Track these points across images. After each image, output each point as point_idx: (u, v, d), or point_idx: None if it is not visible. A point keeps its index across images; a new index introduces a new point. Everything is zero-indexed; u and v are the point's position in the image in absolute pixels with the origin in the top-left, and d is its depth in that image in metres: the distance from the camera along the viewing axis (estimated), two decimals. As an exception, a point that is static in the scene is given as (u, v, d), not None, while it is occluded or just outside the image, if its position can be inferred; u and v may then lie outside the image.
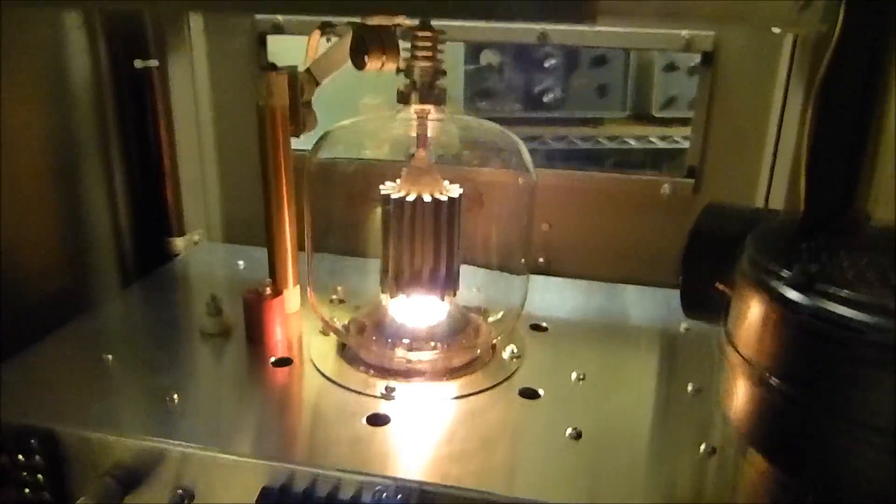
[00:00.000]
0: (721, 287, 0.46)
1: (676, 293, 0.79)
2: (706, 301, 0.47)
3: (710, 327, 0.71)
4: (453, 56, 1.16)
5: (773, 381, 0.35)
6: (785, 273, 0.35)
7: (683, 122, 1.17)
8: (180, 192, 0.90)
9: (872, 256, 0.37)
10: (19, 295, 0.72)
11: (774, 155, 0.79)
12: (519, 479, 0.51)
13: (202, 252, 0.92)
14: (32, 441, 0.53)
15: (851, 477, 0.33)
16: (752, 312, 0.37)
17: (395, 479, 0.49)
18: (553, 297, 0.80)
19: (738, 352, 0.38)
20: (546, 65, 1.18)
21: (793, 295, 0.34)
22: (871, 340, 0.30)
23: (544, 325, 0.73)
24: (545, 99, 1.21)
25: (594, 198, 0.88)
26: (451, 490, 0.48)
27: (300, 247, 0.71)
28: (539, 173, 0.67)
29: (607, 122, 1.26)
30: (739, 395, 0.38)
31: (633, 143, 1.26)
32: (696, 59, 1.14)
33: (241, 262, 0.86)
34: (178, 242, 0.91)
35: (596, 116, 1.25)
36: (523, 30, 0.83)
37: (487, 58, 1.22)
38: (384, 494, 0.49)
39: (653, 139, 1.26)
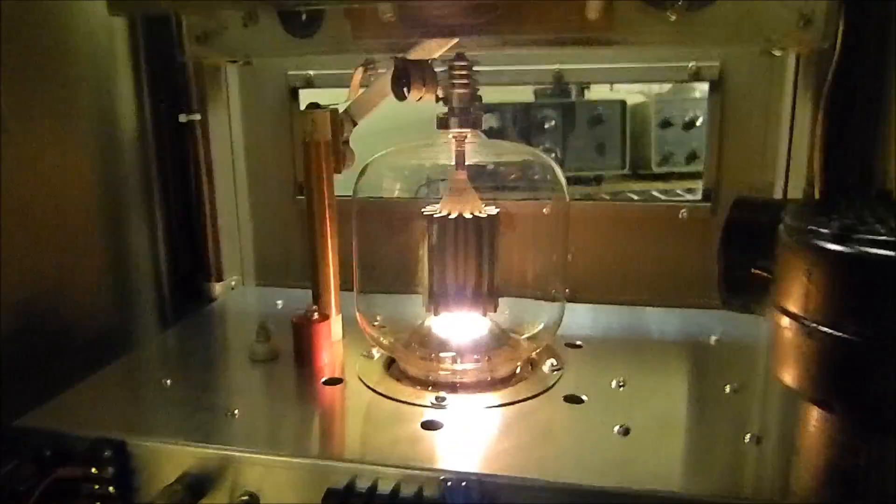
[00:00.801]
0: (757, 272, 0.49)
1: (702, 313, 0.83)
2: (743, 287, 0.50)
3: (741, 339, 0.75)
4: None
5: (826, 330, 0.38)
6: (823, 230, 0.38)
7: (681, 176, 1.22)
8: (219, 238, 0.94)
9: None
10: (68, 334, 0.76)
11: (787, 171, 0.83)
12: (576, 469, 0.53)
13: (239, 295, 0.96)
14: (106, 452, 0.55)
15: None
16: (798, 272, 0.40)
17: (457, 472, 0.51)
18: (583, 320, 0.83)
19: (787, 314, 0.41)
20: (546, 126, 1.22)
21: (835, 246, 0.37)
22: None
23: (578, 343, 0.76)
24: None
25: (614, 226, 0.92)
26: (514, 480, 0.50)
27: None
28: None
29: (608, 179, 1.30)
30: (792, 354, 0.41)
31: (635, 198, 1.29)
32: (690, 114, 1.21)
33: (279, 302, 0.89)
34: (217, 287, 0.94)
35: (596, 174, 1.29)
36: (539, 71, 0.89)
37: (488, 122, 1.26)
38: (448, 486, 0.50)
39: (655, 193, 1.29)
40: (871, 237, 0.37)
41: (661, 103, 1.22)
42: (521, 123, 1.22)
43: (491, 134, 1.25)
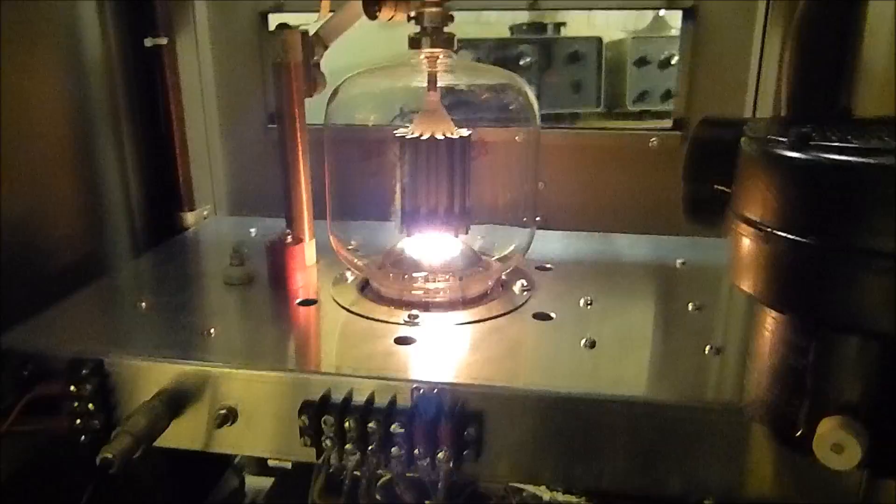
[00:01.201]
0: (719, 188, 0.50)
1: (670, 239, 0.85)
2: (707, 205, 0.52)
3: (707, 262, 0.77)
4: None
5: (782, 234, 0.39)
6: (780, 139, 0.40)
7: (657, 115, 1.22)
8: (189, 167, 0.94)
9: (856, 129, 0.42)
10: (41, 260, 0.76)
11: (755, 98, 0.84)
12: (542, 377, 0.55)
13: (212, 224, 0.96)
14: (84, 370, 0.56)
15: (864, 307, 0.38)
16: (756, 180, 0.41)
17: (428, 382, 0.53)
18: (554, 245, 0.85)
19: (746, 221, 0.42)
20: (521, 62, 1.20)
21: (792, 153, 0.38)
22: (870, 173, 0.35)
23: (549, 266, 0.77)
24: None
25: (585, 155, 0.93)
26: (482, 388, 0.52)
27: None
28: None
29: (583, 117, 1.29)
30: (749, 260, 0.42)
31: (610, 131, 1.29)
32: (666, 52, 1.20)
33: (252, 230, 0.89)
34: (189, 217, 0.94)
35: (572, 112, 1.29)
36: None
37: (464, 57, 1.25)
38: (420, 394, 0.52)
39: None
40: (825, 144, 0.38)
41: (637, 41, 1.21)
42: (496, 60, 1.19)
43: None
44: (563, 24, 1.24)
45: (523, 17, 1.19)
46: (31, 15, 0.74)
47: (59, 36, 0.79)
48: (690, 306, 0.66)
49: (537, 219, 0.94)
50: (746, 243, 0.43)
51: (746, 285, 0.44)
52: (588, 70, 1.23)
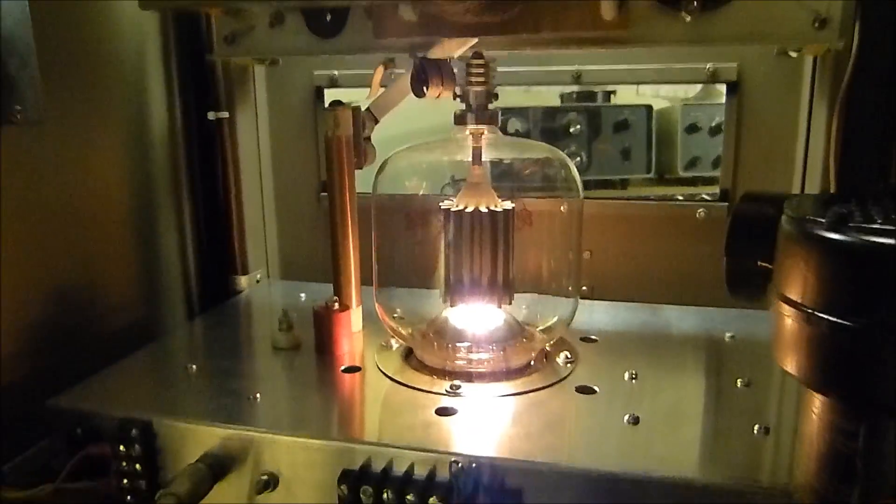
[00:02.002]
0: (763, 265, 0.50)
1: (718, 311, 0.83)
2: (749, 280, 0.51)
3: (756, 336, 0.75)
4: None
5: (823, 316, 0.39)
6: (819, 219, 0.39)
7: (708, 181, 1.22)
8: (244, 234, 0.97)
9: None
10: (100, 323, 0.79)
11: (804, 171, 0.83)
12: (583, 454, 0.54)
13: (264, 288, 0.99)
14: (133, 431, 0.58)
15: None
16: (796, 259, 0.41)
17: (467, 455, 0.53)
18: (600, 316, 0.84)
19: (787, 301, 0.42)
20: (571, 130, 1.22)
21: (829, 233, 0.38)
22: (885, 254, 0.35)
23: (594, 337, 0.77)
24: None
25: (632, 224, 0.93)
26: (521, 463, 0.52)
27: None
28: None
29: (634, 183, 1.29)
30: (792, 341, 0.42)
31: (681, 199, 1.28)
32: (717, 119, 1.20)
33: (302, 295, 0.92)
34: (242, 280, 0.97)
35: (622, 179, 1.29)
36: (559, 72, 0.91)
37: (514, 125, 1.26)
38: (458, 468, 0.52)
39: (679, 197, 1.29)
40: (864, 226, 0.38)
41: (687, 108, 1.23)
42: (546, 127, 1.22)
43: (516, 136, 1.25)
44: (613, 92, 1.26)
45: (572, 86, 1.22)
46: (103, 93, 0.79)
47: (128, 111, 0.84)
48: (739, 382, 0.65)
49: (584, 289, 0.94)
50: (788, 323, 0.42)
51: (790, 367, 0.43)
52: (637, 137, 1.24)
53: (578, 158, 1.22)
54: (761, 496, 0.49)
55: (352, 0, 0.54)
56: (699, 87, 1.25)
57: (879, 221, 0.39)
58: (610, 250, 0.94)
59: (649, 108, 1.20)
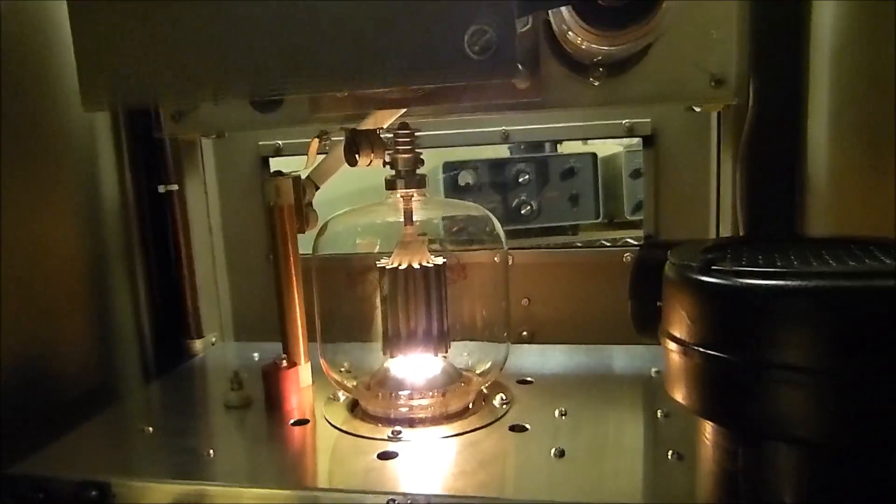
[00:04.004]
0: (660, 305, 0.56)
1: (646, 349, 0.89)
2: (652, 320, 0.57)
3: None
4: (433, 179, 1.23)
5: (696, 349, 0.45)
6: (692, 264, 0.46)
7: None
8: (197, 299, 1.01)
9: (783, 251, 0.48)
10: (56, 392, 0.82)
11: (717, 216, 0.91)
12: (511, 487, 0.59)
13: (218, 350, 1.02)
14: (92, 493, 0.61)
15: (777, 415, 0.42)
16: (671, 299, 0.47)
17: (405, 494, 0.57)
18: (536, 359, 0.90)
19: (670, 337, 0.48)
20: (520, 180, 1.26)
21: (696, 276, 0.44)
22: (756, 294, 0.41)
23: (529, 379, 0.82)
24: (522, 211, 1.30)
25: (565, 271, 0.99)
26: (457, 499, 0.57)
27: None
28: (514, 253, 0.78)
29: (584, 228, 1.33)
30: (678, 374, 0.48)
31: (608, 244, 1.34)
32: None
33: (255, 354, 0.95)
34: (197, 344, 1.00)
35: (572, 225, 1.32)
36: (488, 132, 0.98)
37: (465, 178, 1.32)
38: (397, 507, 0.56)
39: (629, 240, 1.34)
40: (728, 269, 0.44)
41: (630, 154, 1.28)
42: (495, 179, 1.27)
43: (468, 189, 1.31)
44: (560, 141, 1.31)
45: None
46: (53, 167, 0.83)
47: (79, 184, 0.88)
48: (659, 413, 0.70)
49: (524, 334, 1.00)
50: (673, 357, 0.48)
51: (678, 395, 0.48)
52: (584, 184, 1.28)
53: (529, 207, 1.26)
54: (669, 515, 0.54)
55: (276, 94, 0.60)
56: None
57: (744, 265, 0.45)
58: (547, 296, 1.00)
59: (594, 155, 1.25)
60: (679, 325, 0.47)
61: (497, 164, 1.24)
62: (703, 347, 0.45)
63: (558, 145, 1.31)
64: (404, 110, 0.78)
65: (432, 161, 0.74)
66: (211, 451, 0.66)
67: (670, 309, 0.48)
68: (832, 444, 0.41)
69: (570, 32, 0.65)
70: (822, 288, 0.40)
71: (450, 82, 0.51)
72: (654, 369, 0.83)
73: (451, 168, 1.22)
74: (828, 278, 0.40)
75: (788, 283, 0.41)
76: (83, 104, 0.54)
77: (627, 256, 0.97)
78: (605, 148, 1.30)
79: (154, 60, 0.52)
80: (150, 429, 0.72)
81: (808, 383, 0.40)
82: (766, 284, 0.42)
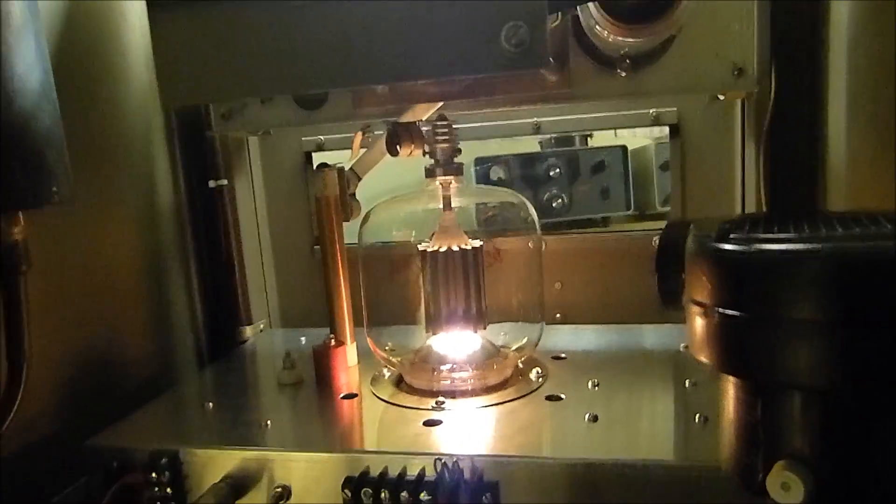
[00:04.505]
0: (684, 278, 0.60)
1: (674, 327, 0.93)
2: (676, 293, 0.61)
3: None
4: (465, 174, 1.26)
5: (717, 311, 0.49)
6: (711, 234, 0.50)
7: None
8: (247, 289, 1.07)
9: (798, 223, 0.52)
10: (121, 378, 0.88)
11: (743, 201, 0.95)
12: (547, 448, 0.64)
13: (266, 336, 1.08)
14: (163, 461, 0.67)
15: (790, 366, 0.46)
16: (693, 267, 0.51)
17: (450, 454, 0.62)
18: (570, 337, 0.94)
19: (694, 302, 0.52)
20: (551, 174, 1.26)
21: (715, 244, 0.49)
22: (769, 258, 0.45)
23: (563, 355, 0.87)
24: (554, 205, 1.32)
25: (596, 256, 1.04)
26: (497, 458, 0.61)
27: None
28: (546, 239, 0.82)
29: (614, 221, 1.33)
30: (701, 335, 0.52)
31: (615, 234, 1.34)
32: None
33: (302, 339, 1.01)
34: (247, 330, 1.06)
35: (603, 217, 1.32)
36: (520, 124, 1.03)
37: (496, 173, 1.36)
38: (443, 466, 0.61)
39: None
40: (743, 237, 0.48)
41: (660, 146, 1.29)
42: (527, 174, 1.28)
43: (499, 183, 1.33)
44: (590, 135, 1.33)
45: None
46: (115, 172, 0.90)
47: (138, 186, 0.94)
48: (687, 383, 0.74)
49: (557, 316, 1.04)
50: (696, 320, 0.52)
51: (702, 356, 0.53)
52: (615, 177, 1.29)
53: (560, 200, 1.27)
54: (696, 471, 0.58)
55: (332, 87, 0.65)
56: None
57: (762, 233, 0.49)
58: (579, 280, 1.05)
59: (624, 148, 1.26)
60: (701, 290, 0.51)
61: (528, 159, 1.26)
62: (722, 308, 0.49)
63: (589, 139, 1.34)
64: (442, 104, 0.83)
65: (464, 157, 0.79)
66: (268, 422, 0.72)
67: (693, 276, 0.52)
68: (839, 389, 0.45)
69: (597, 27, 0.69)
70: (829, 250, 0.44)
71: (488, 73, 0.56)
72: (682, 345, 0.87)
73: (483, 163, 1.25)
74: (834, 241, 0.44)
75: (798, 246, 0.45)
76: (161, 102, 0.60)
77: (656, 241, 1.00)
78: (635, 141, 1.32)
79: (225, 60, 0.57)
80: (211, 405, 0.78)
81: (815, 335, 0.44)
82: (777, 249, 0.46)
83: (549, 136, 1.28)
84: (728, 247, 0.48)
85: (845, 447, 0.47)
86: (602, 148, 1.28)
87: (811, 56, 0.84)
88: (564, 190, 1.28)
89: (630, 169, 1.30)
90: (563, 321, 1.04)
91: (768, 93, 0.85)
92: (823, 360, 0.44)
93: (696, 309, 0.52)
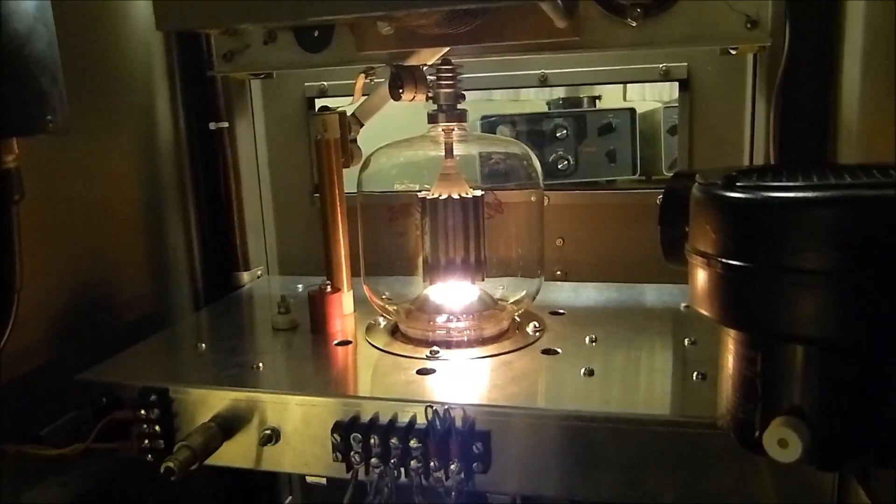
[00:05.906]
0: (687, 230, 0.58)
1: (676, 287, 0.92)
2: (679, 245, 0.60)
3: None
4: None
5: (719, 260, 0.47)
6: (716, 182, 0.48)
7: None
8: (245, 233, 1.06)
9: (806, 173, 0.50)
10: (117, 314, 0.87)
11: (751, 157, 0.93)
12: (542, 400, 0.63)
13: (263, 282, 1.07)
14: (152, 397, 0.66)
15: (793, 317, 0.45)
16: (697, 217, 0.50)
17: (441, 402, 0.61)
18: (569, 294, 0.93)
19: (696, 252, 0.50)
20: (558, 135, 1.24)
21: (719, 191, 0.47)
22: (776, 205, 0.44)
23: (562, 311, 0.85)
24: (560, 166, 1.29)
25: (600, 213, 1.02)
26: (490, 408, 0.60)
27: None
28: (549, 194, 0.81)
29: (620, 184, 1.29)
30: (703, 287, 0.50)
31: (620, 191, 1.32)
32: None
33: (299, 286, 1.00)
34: (244, 276, 1.05)
35: (609, 180, 1.28)
36: (527, 75, 1.00)
37: (502, 132, 1.33)
38: (434, 413, 0.60)
39: None
40: (749, 184, 0.47)
41: (669, 110, 1.26)
42: (533, 133, 1.26)
43: None
44: (599, 97, 1.31)
45: (559, 91, 1.27)
46: (115, 106, 0.88)
47: (137, 122, 0.93)
48: (686, 341, 0.73)
49: (557, 273, 1.03)
50: (698, 271, 0.51)
51: (702, 307, 0.51)
52: (622, 140, 1.26)
53: (566, 162, 1.24)
54: (692, 426, 0.57)
55: (334, 15, 0.63)
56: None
57: (768, 180, 0.48)
58: (582, 238, 1.03)
59: (633, 111, 1.23)
60: (704, 240, 0.49)
61: (534, 119, 1.23)
62: (724, 258, 0.47)
63: (597, 101, 1.32)
64: (447, 49, 0.80)
65: (470, 116, 0.77)
66: (260, 365, 0.71)
67: (696, 226, 0.51)
68: (844, 340, 0.44)
69: (608, -32, 0.67)
70: (833, 197, 0.42)
71: (493, 3, 0.54)
72: (683, 304, 0.85)
73: (489, 121, 1.23)
74: (838, 189, 0.43)
75: (803, 194, 0.43)
76: (157, 23, 0.58)
77: (659, 198, 0.99)
78: (644, 104, 1.30)
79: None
80: (203, 345, 0.77)
81: (821, 285, 0.42)
82: (782, 196, 0.44)
83: (557, 96, 1.27)
84: (734, 194, 0.46)
85: (847, 402, 0.46)
86: (610, 110, 1.25)
87: (826, 8, 0.81)
88: (570, 151, 1.26)
89: (638, 132, 1.27)
90: (564, 278, 1.03)
91: (781, 46, 0.82)
92: (830, 310, 0.43)
93: (697, 259, 0.51)
